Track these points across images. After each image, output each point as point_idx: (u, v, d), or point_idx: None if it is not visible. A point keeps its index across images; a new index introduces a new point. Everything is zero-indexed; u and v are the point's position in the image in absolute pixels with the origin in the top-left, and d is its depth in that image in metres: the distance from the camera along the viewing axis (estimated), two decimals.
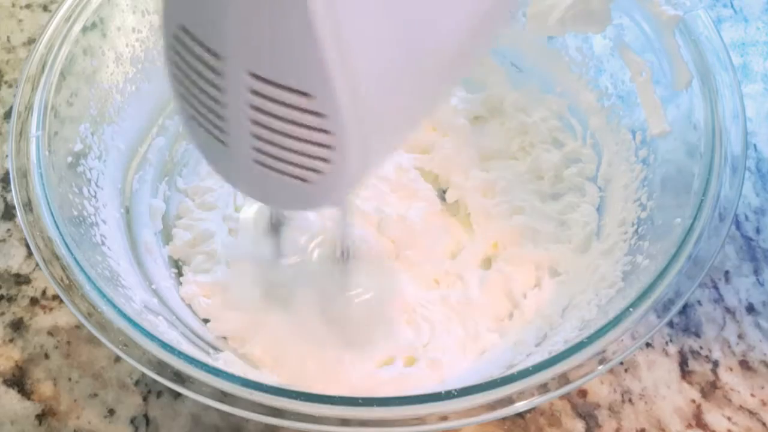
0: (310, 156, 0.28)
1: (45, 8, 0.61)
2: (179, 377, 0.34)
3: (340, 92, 0.26)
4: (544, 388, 0.34)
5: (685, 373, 0.45)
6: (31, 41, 0.59)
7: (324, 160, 0.28)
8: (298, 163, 0.29)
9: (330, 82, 0.26)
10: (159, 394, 0.44)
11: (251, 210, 0.48)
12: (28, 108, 0.41)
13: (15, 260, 0.49)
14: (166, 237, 0.48)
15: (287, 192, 0.30)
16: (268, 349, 0.43)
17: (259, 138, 0.28)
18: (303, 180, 0.29)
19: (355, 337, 0.44)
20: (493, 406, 0.33)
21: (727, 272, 0.48)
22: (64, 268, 0.37)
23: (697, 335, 0.46)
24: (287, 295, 0.45)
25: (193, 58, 0.28)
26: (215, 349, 0.44)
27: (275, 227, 0.46)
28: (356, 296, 0.44)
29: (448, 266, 0.47)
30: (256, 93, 0.27)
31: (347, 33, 0.25)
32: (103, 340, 0.35)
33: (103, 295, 0.36)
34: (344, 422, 0.33)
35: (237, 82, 0.27)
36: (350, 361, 0.43)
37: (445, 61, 0.30)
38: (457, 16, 0.28)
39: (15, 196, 0.39)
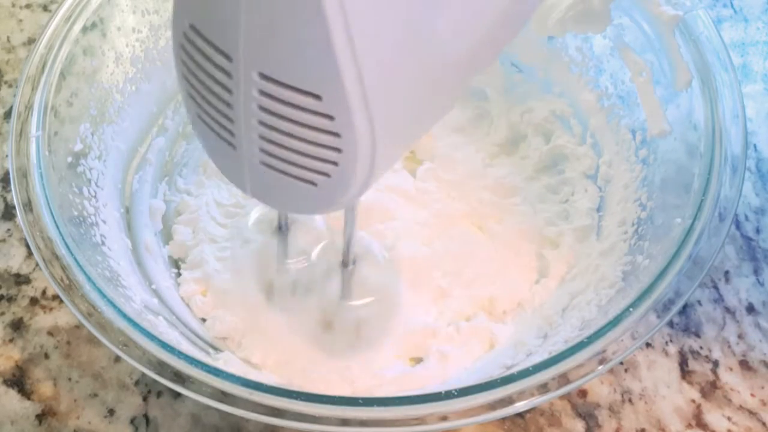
0: (318, 159, 0.28)
1: (45, 8, 0.61)
2: (179, 377, 0.34)
3: (350, 94, 0.26)
4: (544, 388, 0.34)
5: (685, 373, 0.45)
6: (31, 41, 0.59)
7: (332, 162, 0.28)
8: (306, 165, 0.29)
9: (339, 84, 0.26)
10: (159, 394, 0.44)
11: (257, 211, 0.48)
12: (28, 108, 0.41)
13: (15, 260, 0.49)
14: (166, 237, 0.48)
15: (294, 195, 0.30)
16: (268, 355, 0.43)
17: (267, 140, 0.28)
18: (311, 183, 0.29)
19: (355, 343, 0.44)
20: (493, 406, 0.33)
21: (727, 272, 0.48)
22: (64, 268, 0.37)
23: (697, 335, 0.46)
24: (289, 298, 0.45)
25: (202, 58, 0.28)
26: (215, 349, 0.44)
27: (281, 229, 0.46)
28: (358, 303, 0.44)
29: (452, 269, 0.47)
30: (265, 94, 0.27)
31: (357, 35, 0.25)
32: (103, 340, 0.35)
33: (103, 295, 0.36)
34: (344, 422, 0.33)
35: (246, 82, 0.27)
36: (350, 366, 0.43)
37: (455, 66, 0.29)
38: (470, 22, 0.28)
39: (15, 196, 0.39)
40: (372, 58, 0.26)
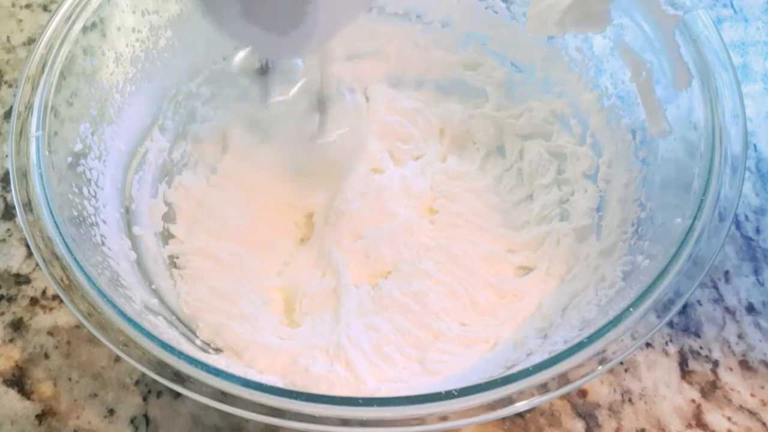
0: (291, 11, 0.34)
1: (45, 8, 0.61)
2: (179, 377, 0.34)
3: None
4: (544, 388, 0.34)
5: (685, 373, 0.45)
6: (31, 41, 0.59)
7: (303, 14, 0.34)
8: (281, 17, 0.34)
9: None
10: (159, 394, 0.44)
11: (238, 57, 0.53)
12: (28, 108, 0.41)
13: (15, 260, 0.49)
14: (166, 237, 0.48)
15: (271, 41, 0.37)
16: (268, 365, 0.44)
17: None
18: (284, 32, 0.35)
19: (329, 164, 0.49)
20: (493, 406, 0.33)
21: (727, 272, 0.48)
22: (64, 268, 0.37)
23: (697, 335, 0.46)
24: (269, 129, 0.50)
25: None
26: (215, 349, 0.44)
27: (263, 71, 0.48)
28: (330, 136, 0.49)
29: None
30: None
31: None
32: (103, 340, 0.35)
33: (103, 295, 0.36)
34: (344, 422, 0.33)
35: None
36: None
37: None
38: None
39: (15, 196, 0.39)
40: None
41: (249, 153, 0.50)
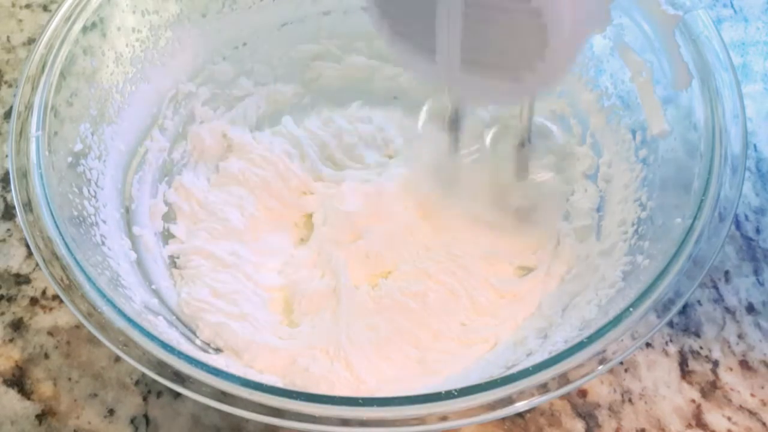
0: (524, 56, 0.30)
1: (45, 8, 0.61)
2: (179, 377, 0.34)
3: None
4: (544, 388, 0.34)
5: (685, 373, 0.45)
6: (31, 41, 0.59)
7: (538, 57, 0.29)
8: (511, 65, 0.30)
9: None
10: (159, 394, 0.44)
11: (424, 112, 0.51)
12: (28, 108, 0.41)
13: (15, 260, 0.49)
14: (166, 237, 0.48)
15: (497, 91, 0.33)
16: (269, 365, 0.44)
17: (471, 48, 0.30)
18: (515, 80, 0.31)
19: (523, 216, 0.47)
20: (493, 406, 0.33)
21: (727, 272, 0.48)
22: (64, 268, 0.37)
23: (697, 335, 0.46)
24: (464, 182, 0.47)
25: None
26: (215, 349, 0.44)
27: (453, 122, 0.46)
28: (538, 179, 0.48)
29: None
30: (470, 3, 0.28)
31: None
32: (103, 340, 0.35)
33: (103, 295, 0.36)
34: (344, 422, 0.33)
35: None
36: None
37: None
38: None
39: (15, 196, 0.39)
40: None
41: (437, 207, 0.48)
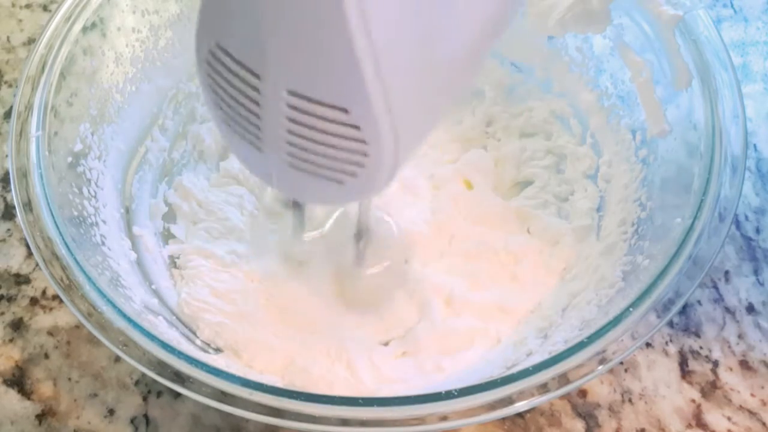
0: (345, 162, 0.30)
1: (45, 8, 0.61)
2: (179, 377, 0.34)
3: (376, 105, 0.27)
4: (544, 388, 0.34)
5: (685, 373, 0.45)
6: (31, 41, 0.59)
7: (358, 165, 0.30)
8: (333, 167, 0.30)
9: (367, 96, 0.27)
10: (159, 394, 0.44)
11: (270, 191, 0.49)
12: (28, 108, 0.41)
13: (15, 260, 0.49)
14: (166, 237, 0.48)
15: (321, 190, 0.32)
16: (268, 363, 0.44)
17: (294, 146, 0.30)
18: (337, 182, 0.31)
19: (364, 308, 0.45)
20: (493, 406, 0.33)
21: (727, 272, 0.48)
22: (64, 268, 0.37)
23: (697, 335, 0.46)
24: (305, 266, 0.46)
25: (229, 74, 0.29)
26: (215, 349, 0.44)
27: (296, 204, 0.46)
28: (369, 271, 0.46)
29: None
30: (293, 108, 0.28)
31: (381, 51, 0.26)
32: (103, 340, 0.35)
33: (103, 295, 0.36)
34: (344, 422, 0.33)
35: (275, 98, 0.28)
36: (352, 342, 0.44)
37: (461, 63, 0.31)
38: (472, 22, 0.30)
39: (15, 196, 0.39)
40: (394, 70, 0.27)
41: (283, 284, 0.46)
